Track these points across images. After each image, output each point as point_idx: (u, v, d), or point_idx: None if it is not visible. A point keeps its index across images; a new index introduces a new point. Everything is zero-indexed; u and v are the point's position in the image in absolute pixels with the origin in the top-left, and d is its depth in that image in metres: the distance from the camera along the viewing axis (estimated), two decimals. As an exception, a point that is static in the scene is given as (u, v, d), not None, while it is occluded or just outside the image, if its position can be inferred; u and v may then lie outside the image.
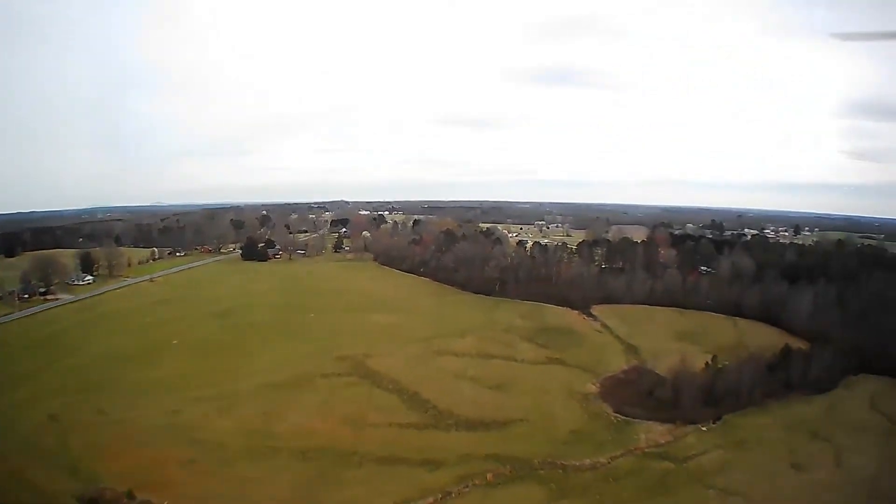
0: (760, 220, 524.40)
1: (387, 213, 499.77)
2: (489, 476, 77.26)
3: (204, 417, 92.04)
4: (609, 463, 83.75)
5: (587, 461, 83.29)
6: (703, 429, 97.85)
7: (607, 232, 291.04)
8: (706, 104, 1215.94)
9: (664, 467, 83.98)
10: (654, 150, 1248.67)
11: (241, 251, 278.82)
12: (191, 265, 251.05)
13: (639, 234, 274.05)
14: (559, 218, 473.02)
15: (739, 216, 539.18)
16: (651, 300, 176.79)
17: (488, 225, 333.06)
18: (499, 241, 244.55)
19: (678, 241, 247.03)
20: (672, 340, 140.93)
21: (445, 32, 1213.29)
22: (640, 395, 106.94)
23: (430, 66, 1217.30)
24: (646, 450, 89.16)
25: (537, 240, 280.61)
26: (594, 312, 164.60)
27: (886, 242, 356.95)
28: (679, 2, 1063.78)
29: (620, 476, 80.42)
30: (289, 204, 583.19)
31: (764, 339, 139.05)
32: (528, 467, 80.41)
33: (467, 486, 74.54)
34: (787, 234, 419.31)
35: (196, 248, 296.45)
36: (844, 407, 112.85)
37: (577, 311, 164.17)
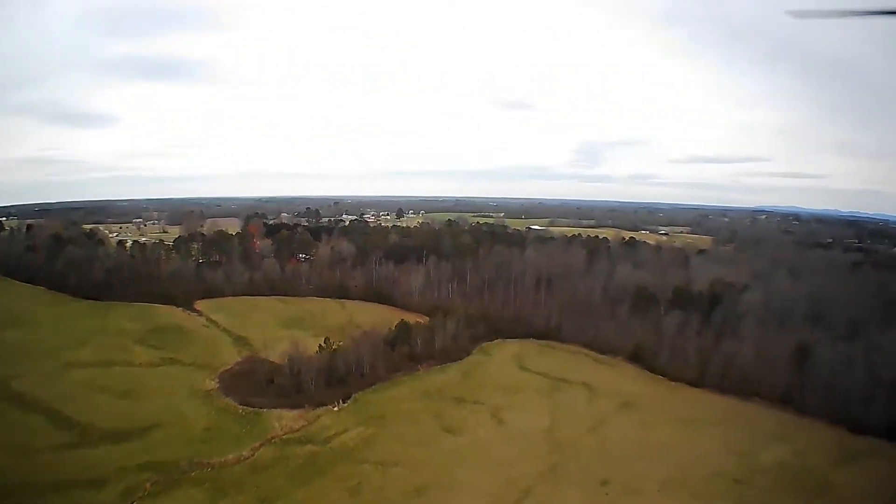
0: (359, 205, 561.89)
1: (4, 218, 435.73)
2: (148, 486, 73.93)
3: None
4: (253, 455, 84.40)
5: (230, 456, 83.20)
6: (335, 409, 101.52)
7: (202, 226, 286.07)
8: (308, 99, 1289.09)
9: (309, 450, 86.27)
10: (248, 143, 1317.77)
11: None
12: None
13: (233, 226, 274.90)
14: (155, 214, 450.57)
15: (336, 203, 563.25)
16: (252, 291, 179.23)
17: (91, 226, 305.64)
18: (101, 242, 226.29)
19: (273, 230, 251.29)
20: (280, 328, 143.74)
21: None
22: (261, 384, 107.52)
23: (26, 59, 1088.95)
24: (283, 436, 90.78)
25: (136, 238, 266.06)
26: (198, 308, 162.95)
27: (507, 220, 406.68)
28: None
29: (269, 465, 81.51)
30: None
31: (377, 317, 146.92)
32: (178, 471, 78.01)
33: (133, 501, 70.99)
34: (388, 217, 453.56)
35: None
36: (486, 370, 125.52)
37: (181, 308, 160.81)
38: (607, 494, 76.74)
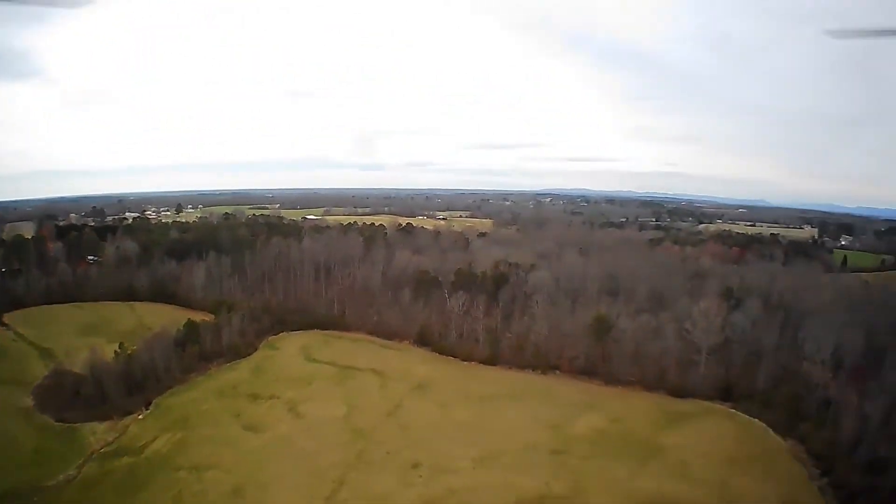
0: (141, 202, 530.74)
1: None
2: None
3: None
4: (80, 473, 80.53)
5: (62, 477, 79.15)
6: (140, 417, 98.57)
7: (2, 231, 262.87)
8: (85, 93, 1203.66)
9: (126, 463, 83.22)
10: (35, 141, 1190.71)
11: None
12: None
13: (29, 230, 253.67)
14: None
15: (120, 201, 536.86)
16: (50, 298, 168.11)
17: None
18: None
19: (63, 232, 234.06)
20: (78, 336, 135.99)
21: None
22: (70, 397, 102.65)
23: None
24: (101, 451, 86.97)
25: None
26: (6, 321, 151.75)
27: (282, 211, 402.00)
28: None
29: (96, 482, 78.21)
30: None
31: (165, 317, 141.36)
32: (22, 499, 73.47)
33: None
34: (168, 213, 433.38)
35: None
36: (275, 364, 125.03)
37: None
38: (421, 477, 78.71)
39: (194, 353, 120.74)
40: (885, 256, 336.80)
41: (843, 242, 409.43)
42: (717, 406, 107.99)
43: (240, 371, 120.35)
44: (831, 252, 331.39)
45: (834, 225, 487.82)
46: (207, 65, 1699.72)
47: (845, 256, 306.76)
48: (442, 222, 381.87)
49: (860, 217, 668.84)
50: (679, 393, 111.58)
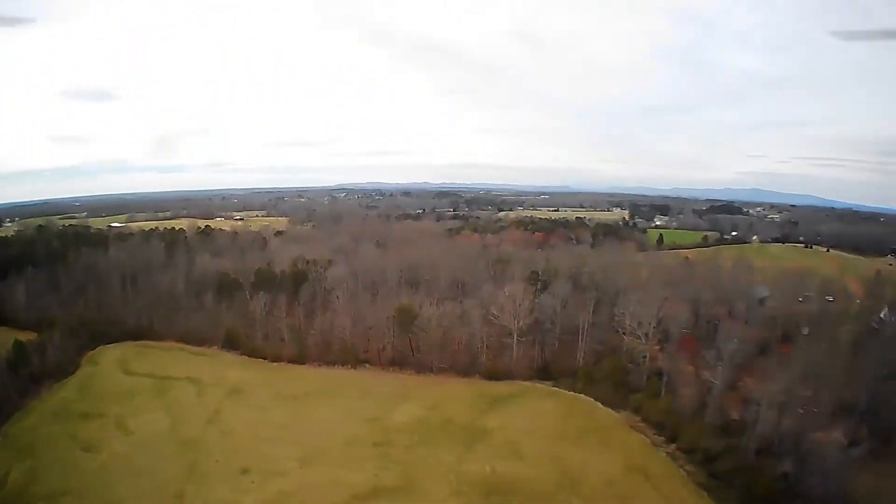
0: None
1: None
2: None
3: None
4: None
5: None
6: None
7: None
8: None
9: None
10: None
11: None
12: None
13: None
14: None
15: None
16: None
17: None
18: None
19: None
20: None
21: None
22: None
23: None
24: None
25: None
26: None
27: (90, 219, 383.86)
28: None
29: None
30: None
31: None
32: None
33: None
34: None
35: None
36: (97, 380, 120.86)
37: None
38: (253, 482, 79.26)
39: (26, 375, 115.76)
40: (708, 233, 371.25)
41: (657, 222, 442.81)
42: (538, 385, 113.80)
43: (68, 390, 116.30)
44: (644, 232, 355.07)
45: (647, 206, 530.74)
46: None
47: (661, 235, 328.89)
48: (239, 223, 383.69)
49: (678, 198, 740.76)
50: (494, 376, 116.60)
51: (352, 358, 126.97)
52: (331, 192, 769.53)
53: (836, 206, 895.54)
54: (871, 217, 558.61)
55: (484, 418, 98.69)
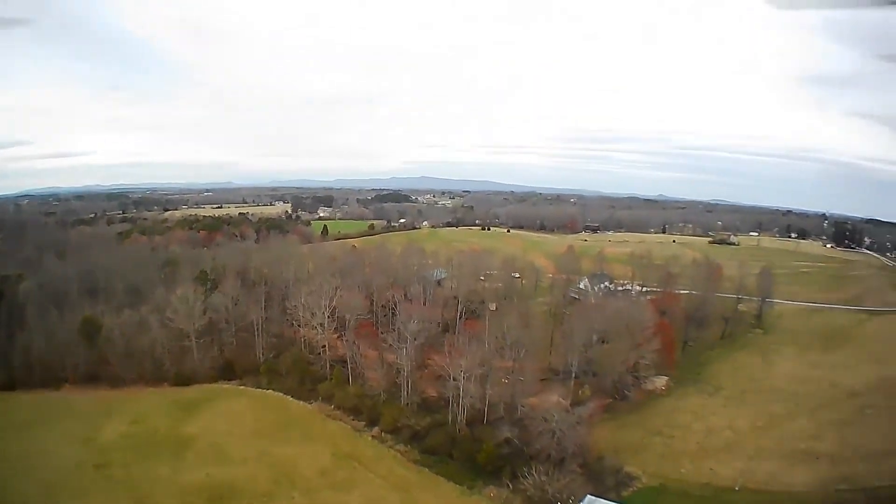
0: None
1: None
2: None
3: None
4: None
5: None
6: None
7: None
8: None
9: None
10: None
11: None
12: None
13: None
14: None
15: None
16: None
17: None
18: None
19: None
20: None
21: None
22: None
23: None
24: None
25: None
26: None
27: None
28: None
29: None
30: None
31: None
32: None
33: None
34: None
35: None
36: None
37: None
38: None
39: None
40: (374, 221, 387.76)
41: (321, 214, 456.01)
42: (225, 386, 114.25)
43: None
44: (309, 224, 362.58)
45: (310, 198, 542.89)
46: None
47: (325, 226, 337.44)
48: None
49: (342, 189, 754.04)
50: (182, 381, 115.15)
51: (53, 378, 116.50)
52: (15, 201, 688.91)
53: (515, 189, 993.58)
54: (560, 199, 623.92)
55: (184, 426, 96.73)
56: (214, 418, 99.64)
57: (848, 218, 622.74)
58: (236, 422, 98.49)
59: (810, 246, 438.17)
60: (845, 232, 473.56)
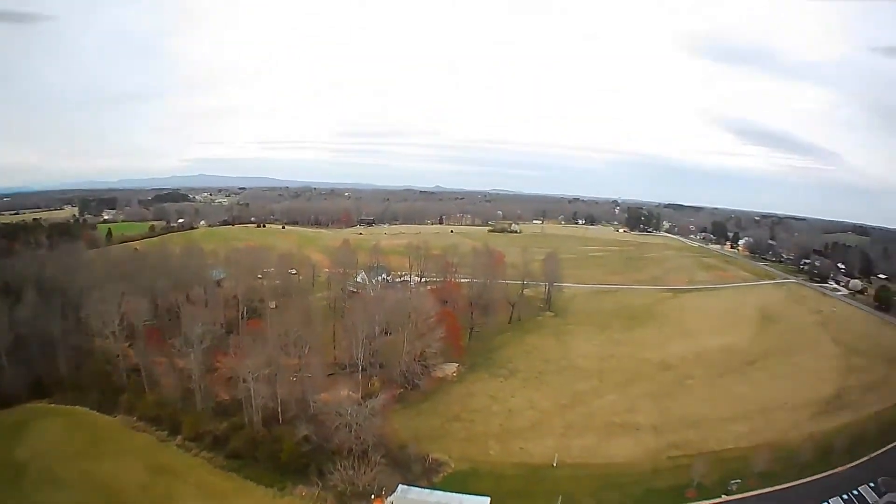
0: None
1: None
2: None
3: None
4: None
5: None
6: None
7: None
8: None
9: None
10: None
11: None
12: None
13: None
14: None
15: None
16: None
17: None
18: None
19: None
20: None
21: None
22: None
23: None
24: None
25: None
26: None
27: None
28: None
29: None
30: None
31: None
32: None
33: None
34: None
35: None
36: None
37: None
38: None
39: None
40: (154, 222, 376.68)
41: (106, 217, 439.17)
42: (38, 405, 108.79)
43: None
44: (95, 228, 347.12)
45: (96, 201, 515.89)
46: None
47: (109, 230, 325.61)
48: None
49: (125, 190, 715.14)
50: (2, 404, 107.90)
51: None
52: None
53: (290, 185, 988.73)
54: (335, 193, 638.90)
55: (15, 452, 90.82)
56: (32, 442, 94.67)
57: (643, 203, 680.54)
58: (51, 442, 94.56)
59: (600, 231, 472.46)
60: (640, 217, 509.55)
